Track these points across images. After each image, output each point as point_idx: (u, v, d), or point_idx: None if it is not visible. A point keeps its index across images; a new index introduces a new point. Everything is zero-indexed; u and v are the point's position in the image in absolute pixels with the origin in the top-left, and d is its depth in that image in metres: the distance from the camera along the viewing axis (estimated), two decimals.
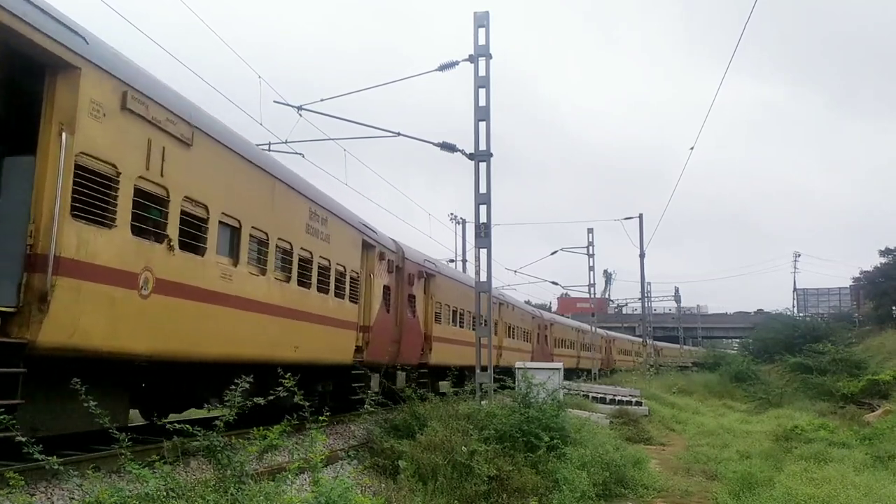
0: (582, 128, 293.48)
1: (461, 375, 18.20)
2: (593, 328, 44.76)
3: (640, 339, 54.76)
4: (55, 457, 5.12)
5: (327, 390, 12.76)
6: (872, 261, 55.73)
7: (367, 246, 13.89)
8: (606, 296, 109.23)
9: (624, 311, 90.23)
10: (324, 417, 7.31)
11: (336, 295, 12.02)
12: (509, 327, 27.99)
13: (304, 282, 10.69)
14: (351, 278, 12.79)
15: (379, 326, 14.34)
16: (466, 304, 20.50)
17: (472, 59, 15.15)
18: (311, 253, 10.97)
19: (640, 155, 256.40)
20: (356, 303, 13.12)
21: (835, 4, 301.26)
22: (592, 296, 44.46)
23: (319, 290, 11.23)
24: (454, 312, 20.47)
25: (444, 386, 17.96)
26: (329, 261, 11.70)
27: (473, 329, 19.81)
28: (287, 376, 7.30)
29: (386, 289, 15.18)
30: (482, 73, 15.09)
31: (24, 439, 4.96)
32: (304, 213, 10.87)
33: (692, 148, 30.45)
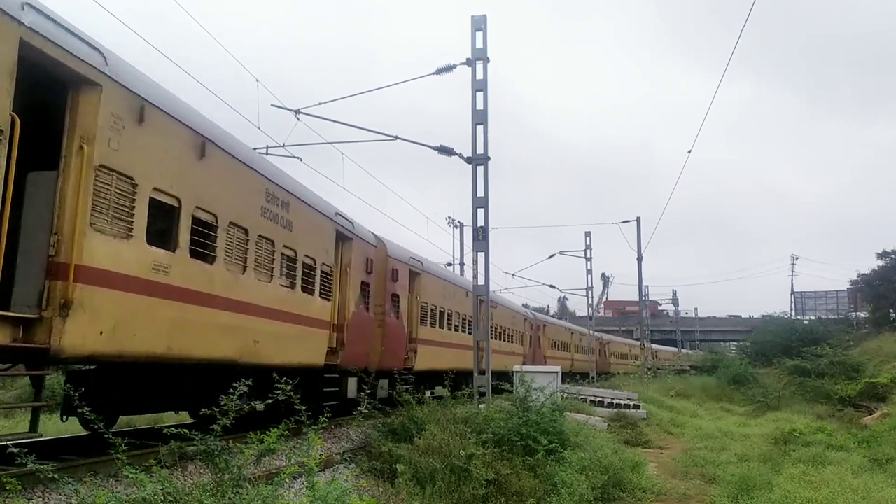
0: (581, 130, 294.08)
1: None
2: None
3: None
4: (51, 463, 5.11)
5: None
6: (870, 263, 55.85)
7: None
8: (604, 299, 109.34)
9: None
10: (323, 420, 7.28)
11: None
12: (290, 258, 10.90)
13: None
14: None
15: None
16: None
17: (470, 62, 15.19)
18: None
19: (637, 157, 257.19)
20: None
21: (823, 7, 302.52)
22: (591, 299, 44.47)
23: None
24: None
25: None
26: None
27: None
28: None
29: None
30: (480, 76, 15.13)
31: (16, 450, 4.96)
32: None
33: (690, 151, 30.36)
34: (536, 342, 34.09)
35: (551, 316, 59.78)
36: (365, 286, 14.30)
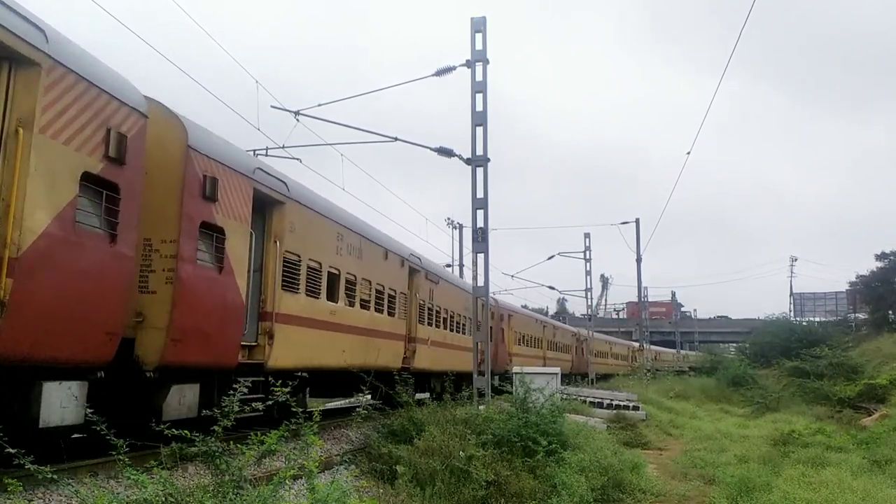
0: (580, 130, 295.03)
1: None
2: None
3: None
4: (49, 465, 5.11)
5: None
6: (869, 264, 55.87)
7: None
8: (604, 301, 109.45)
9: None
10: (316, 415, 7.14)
11: None
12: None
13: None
14: None
15: None
16: None
17: (469, 64, 15.22)
18: None
19: (636, 158, 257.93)
20: None
21: (823, 7, 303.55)
22: (590, 300, 44.53)
23: None
24: None
25: None
26: None
27: None
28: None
29: None
30: (479, 78, 15.15)
31: (13, 451, 4.95)
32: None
33: (689, 152, 30.39)
34: (500, 336, 26.87)
35: (550, 317, 59.67)
36: (104, 188, 6.90)
